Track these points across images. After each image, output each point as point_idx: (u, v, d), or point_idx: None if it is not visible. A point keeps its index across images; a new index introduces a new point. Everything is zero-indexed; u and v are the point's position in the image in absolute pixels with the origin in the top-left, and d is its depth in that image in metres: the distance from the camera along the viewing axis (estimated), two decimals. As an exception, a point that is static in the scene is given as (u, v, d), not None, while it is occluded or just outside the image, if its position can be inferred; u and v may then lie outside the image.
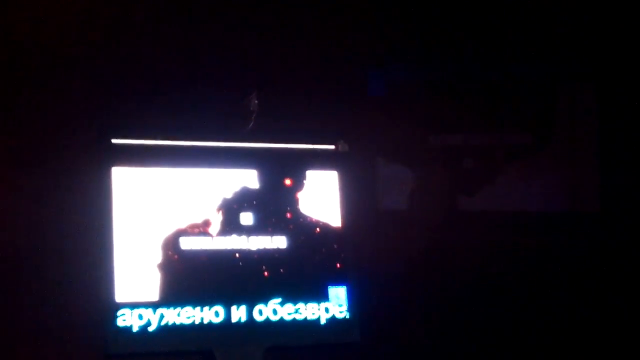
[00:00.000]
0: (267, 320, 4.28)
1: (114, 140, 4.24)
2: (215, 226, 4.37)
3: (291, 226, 4.50)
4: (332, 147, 4.74)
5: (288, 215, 4.52)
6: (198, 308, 4.15)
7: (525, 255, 4.84)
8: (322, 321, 4.39)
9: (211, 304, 4.19)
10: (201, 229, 4.31)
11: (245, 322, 4.23)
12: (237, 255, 4.35)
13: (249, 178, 4.49)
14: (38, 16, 4.07)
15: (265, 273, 4.39)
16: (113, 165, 4.20)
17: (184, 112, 4.44)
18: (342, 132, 4.78)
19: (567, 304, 4.70)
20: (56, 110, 4.14)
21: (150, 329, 4.01)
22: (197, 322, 4.12)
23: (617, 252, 4.63)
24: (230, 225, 4.38)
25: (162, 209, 4.23)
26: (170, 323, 4.07)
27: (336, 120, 4.82)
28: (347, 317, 4.44)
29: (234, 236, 4.37)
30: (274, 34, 4.57)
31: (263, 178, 4.54)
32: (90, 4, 4.13)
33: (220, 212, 4.39)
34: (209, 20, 4.39)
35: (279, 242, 4.44)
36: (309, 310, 4.38)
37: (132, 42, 4.31)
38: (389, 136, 4.92)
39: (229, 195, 4.44)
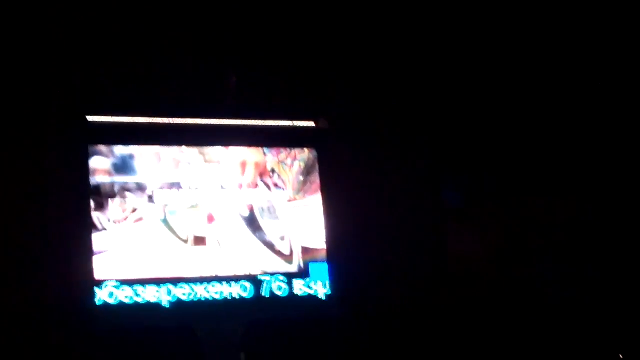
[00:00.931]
0: (248, 297, 4.29)
1: (89, 118, 4.24)
2: (193, 203, 4.37)
3: (271, 203, 4.56)
4: (312, 124, 4.77)
5: (269, 193, 4.54)
6: (179, 285, 4.16)
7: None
8: (303, 296, 4.44)
9: (191, 280, 4.20)
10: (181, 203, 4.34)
11: (225, 298, 4.24)
12: (218, 231, 4.37)
13: (229, 155, 4.51)
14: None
15: (245, 249, 4.41)
16: (89, 143, 4.19)
17: (161, 89, 4.40)
18: (323, 109, 4.79)
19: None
20: (30, 87, 4.08)
21: (130, 305, 4.00)
22: (177, 299, 4.14)
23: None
24: (210, 204, 4.41)
25: (141, 185, 4.23)
26: (149, 300, 4.07)
27: (317, 97, 4.79)
28: (328, 293, 4.47)
29: (215, 213, 4.40)
30: (253, 9, 4.52)
31: (243, 154, 4.54)
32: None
33: (199, 188, 4.40)
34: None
35: (260, 221, 4.49)
36: (291, 287, 4.40)
37: (108, 19, 4.26)
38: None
39: (208, 171, 4.45)
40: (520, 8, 4.95)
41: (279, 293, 4.36)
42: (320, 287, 4.46)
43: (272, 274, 4.38)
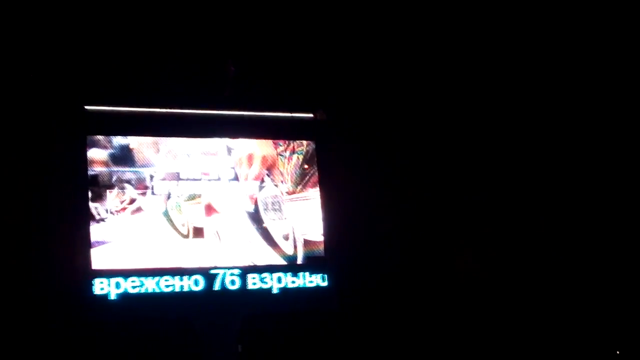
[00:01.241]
0: (245, 289, 4.28)
1: (87, 107, 4.22)
2: (192, 194, 4.36)
3: (268, 196, 4.55)
4: (311, 115, 4.76)
5: (265, 185, 4.54)
6: (177, 277, 4.15)
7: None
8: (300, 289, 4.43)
9: (190, 272, 4.19)
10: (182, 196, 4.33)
11: (223, 290, 4.23)
12: (216, 223, 4.36)
13: (226, 146, 4.49)
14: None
15: (243, 242, 4.40)
16: (87, 134, 4.18)
17: (160, 80, 4.37)
18: (321, 101, 4.78)
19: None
20: (29, 77, 4.04)
21: (127, 296, 4.00)
22: (175, 291, 4.13)
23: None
24: (209, 195, 4.39)
25: (139, 176, 4.22)
26: (147, 291, 4.06)
27: (315, 89, 4.77)
28: (327, 285, 4.47)
29: (214, 205, 4.40)
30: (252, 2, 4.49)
31: (240, 146, 4.53)
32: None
33: (197, 179, 4.39)
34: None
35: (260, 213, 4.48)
36: (289, 279, 4.39)
37: (106, 10, 4.21)
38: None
39: (208, 162, 4.44)
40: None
41: (278, 285, 4.36)
42: (318, 280, 4.45)
43: (270, 267, 4.37)
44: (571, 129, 5.07)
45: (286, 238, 4.47)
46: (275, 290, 4.33)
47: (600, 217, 4.99)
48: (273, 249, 4.44)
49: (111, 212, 4.12)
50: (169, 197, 4.27)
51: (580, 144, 5.08)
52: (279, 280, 4.35)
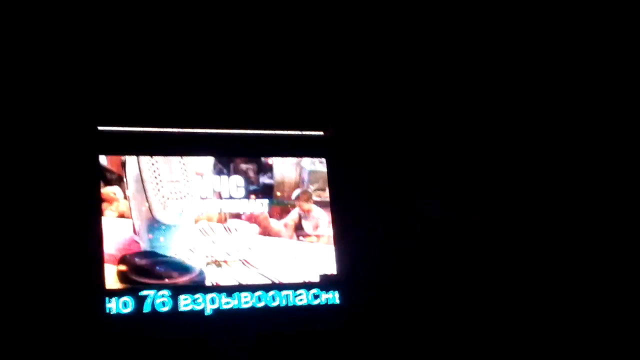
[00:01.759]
0: (258, 308, 4.28)
1: (100, 128, 4.26)
2: (204, 212, 4.38)
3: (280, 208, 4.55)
4: (321, 133, 4.77)
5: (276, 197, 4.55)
6: (189, 295, 4.15)
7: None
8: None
9: (203, 290, 4.18)
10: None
11: (237, 307, 4.22)
12: (226, 241, 4.37)
13: (239, 161, 4.50)
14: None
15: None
16: (100, 153, 4.22)
17: (171, 100, 4.42)
18: (332, 119, 4.80)
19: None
20: (42, 96, 4.11)
21: (141, 315, 4.00)
22: (188, 309, 4.13)
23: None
24: (221, 213, 4.39)
25: (151, 195, 4.24)
26: (160, 309, 4.06)
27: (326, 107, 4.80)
28: (339, 303, 4.45)
29: (225, 226, 4.40)
30: (262, 22, 4.55)
31: (252, 164, 4.55)
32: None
33: (210, 198, 4.40)
34: (193, 9, 4.37)
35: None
36: (302, 297, 4.39)
37: (118, 32, 4.29)
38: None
39: (220, 181, 4.45)
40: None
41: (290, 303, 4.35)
42: (331, 297, 4.44)
43: (283, 285, 4.37)
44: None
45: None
46: (286, 308, 4.33)
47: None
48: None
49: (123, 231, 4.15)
50: (181, 215, 4.29)
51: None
52: (291, 297, 4.36)
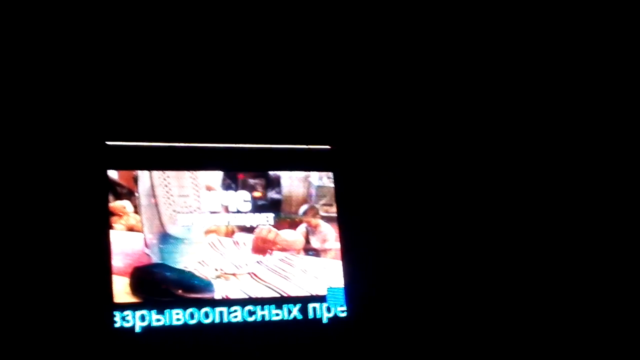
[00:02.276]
0: (267, 321, 4.29)
1: (108, 142, 4.29)
2: (213, 227, 4.40)
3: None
4: (328, 147, 4.79)
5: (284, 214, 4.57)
6: (198, 308, 4.16)
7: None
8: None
9: (211, 304, 4.20)
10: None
11: (250, 321, 4.24)
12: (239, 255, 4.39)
13: (248, 176, 4.53)
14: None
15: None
16: (108, 168, 4.25)
17: (179, 114, 4.45)
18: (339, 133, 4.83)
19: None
20: (50, 111, 4.14)
21: (148, 329, 4.02)
22: (195, 322, 4.13)
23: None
24: (229, 227, 4.42)
25: (162, 209, 4.27)
26: (167, 323, 4.08)
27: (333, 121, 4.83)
28: (345, 316, 4.46)
29: (233, 240, 4.41)
30: (269, 37, 4.59)
31: (261, 179, 4.58)
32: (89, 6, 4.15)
33: (219, 212, 4.42)
34: (203, 22, 4.41)
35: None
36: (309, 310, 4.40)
37: (127, 46, 4.33)
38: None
39: (229, 196, 4.48)
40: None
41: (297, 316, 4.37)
42: (337, 311, 4.45)
43: (290, 298, 4.39)
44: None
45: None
46: (294, 321, 4.34)
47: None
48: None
49: (131, 245, 4.17)
50: (191, 230, 4.32)
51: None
52: (299, 310, 4.37)
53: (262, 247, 4.44)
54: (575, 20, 4.85)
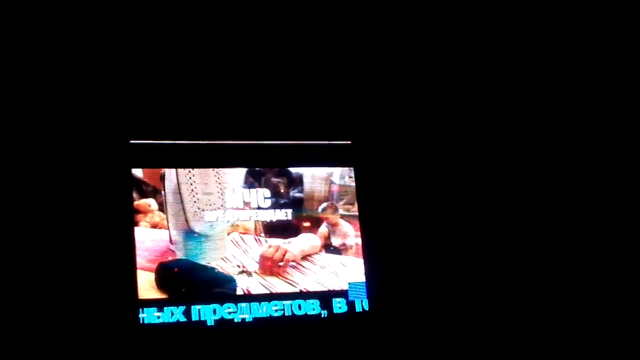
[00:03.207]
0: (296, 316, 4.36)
1: (132, 141, 4.35)
2: (237, 223, 4.45)
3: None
4: (349, 142, 4.82)
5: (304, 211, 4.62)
6: (222, 304, 4.22)
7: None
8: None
9: (234, 300, 4.26)
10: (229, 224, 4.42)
11: (269, 317, 4.30)
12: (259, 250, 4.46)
13: (270, 175, 4.58)
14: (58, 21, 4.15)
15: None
16: (132, 167, 4.32)
17: (201, 112, 4.50)
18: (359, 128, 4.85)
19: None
20: (75, 111, 4.20)
21: (173, 325, 4.09)
22: (219, 318, 4.19)
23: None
24: (253, 224, 4.47)
25: (187, 207, 4.33)
26: (192, 319, 4.14)
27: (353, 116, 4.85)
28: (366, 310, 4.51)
29: (256, 237, 4.47)
30: (289, 31, 4.61)
31: (283, 174, 4.63)
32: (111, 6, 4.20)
33: (242, 209, 4.48)
34: (223, 23, 4.44)
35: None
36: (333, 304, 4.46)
37: (150, 46, 4.37)
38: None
39: (250, 194, 4.53)
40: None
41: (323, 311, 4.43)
42: (358, 305, 4.50)
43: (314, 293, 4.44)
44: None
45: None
46: (320, 316, 4.41)
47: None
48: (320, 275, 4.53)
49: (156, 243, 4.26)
50: (216, 227, 4.38)
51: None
52: (324, 305, 4.43)
53: (270, 268, 4.46)
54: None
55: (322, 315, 4.40)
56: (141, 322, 4.08)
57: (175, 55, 4.50)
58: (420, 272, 4.73)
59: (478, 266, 4.81)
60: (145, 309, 4.10)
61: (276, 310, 4.32)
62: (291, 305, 4.35)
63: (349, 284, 4.53)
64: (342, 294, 4.49)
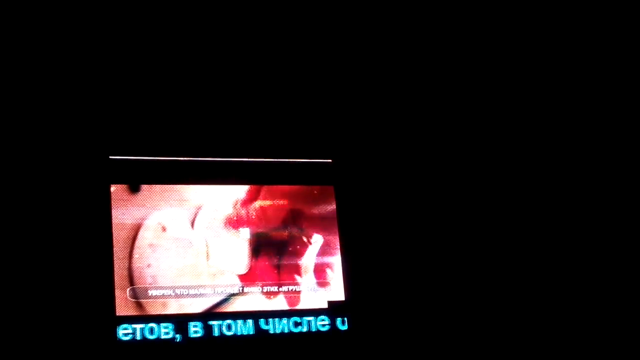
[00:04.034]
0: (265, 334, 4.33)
1: (111, 157, 4.33)
2: (214, 243, 4.44)
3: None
4: (329, 160, 4.84)
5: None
6: (200, 322, 4.20)
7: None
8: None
9: (216, 317, 4.24)
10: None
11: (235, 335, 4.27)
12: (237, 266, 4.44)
13: (247, 192, 4.58)
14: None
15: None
16: (111, 183, 4.29)
17: (181, 128, 4.50)
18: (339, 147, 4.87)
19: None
20: (54, 126, 4.19)
21: (151, 342, 4.05)
22: (200, 336, 4.17)
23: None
24: (230, 242, 4.47)
25: (163, 223, 4.32)
26: (172, 336, 4.11)
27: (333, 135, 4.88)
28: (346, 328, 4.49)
29: (235, 254, 4.46)
30: (269, 54, 4.64)
31: (261, 192, 4.62)
32: (93, 22, 4.21)
33: (222, 227, 4.47)
34: (205, 39, 4.46)
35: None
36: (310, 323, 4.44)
37: (129, 60, 4.38)
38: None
39: (230, 210, 4.53)
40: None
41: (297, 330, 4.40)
42: (339, 323, 4.48)
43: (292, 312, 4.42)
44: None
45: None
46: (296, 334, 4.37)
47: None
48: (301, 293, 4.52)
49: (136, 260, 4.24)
50: (192, 241, 4.37)
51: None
52: (299, 324, 4.41)
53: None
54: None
55: (303, 333, 4.38)
56: (119, 338, 4.05)
57: (156, 72, 4.53)
58: (402, 288, 4.72)
59: (460, 282, 4.81)
60: (123, 326, 4.07)
61: (254, 328, 4.29)
62: (269, 323, 4.33)
63: (329, 302, 4.51)
64: (323, 312, 4.47)
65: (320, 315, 4.46)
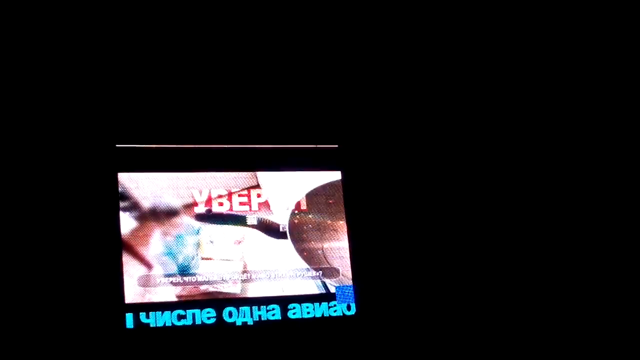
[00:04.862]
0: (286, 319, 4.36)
1: (118, 145, 4.34)
2: (221, 227, 4.47)
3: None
4: (336, 146, 4.83)
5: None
6: (210, 309, 4.23)
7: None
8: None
9: (220, 305, 4.26)
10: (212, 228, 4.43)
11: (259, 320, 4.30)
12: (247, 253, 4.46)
13: (255, 179, 4.57)
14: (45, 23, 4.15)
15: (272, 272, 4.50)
16: (118, 171, 4.31)
17: (187, 116, 4.50)
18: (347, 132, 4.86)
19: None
20: (61, 114, 4.20)
21: (161, 329, 4.08)
22: (209, 322, 4.19)
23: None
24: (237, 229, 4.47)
25: (170, 212, 4.34)
26: (180, 323, 4.14)
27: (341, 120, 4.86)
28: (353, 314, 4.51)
29: (241, 239, 4.47)
30: (275, 35, 4.62)
31: (268, 179, 4.63)
32: (98, 10, 4.20)
33: (227, 214, 4.48)
34: (211, 25, 4.44)
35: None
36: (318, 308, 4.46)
37: (136, 49, 4.37)
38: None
39: (237, 196, 4.52)
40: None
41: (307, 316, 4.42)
42: (345, 309, 4.50)
43: (301, 297, 4.43)
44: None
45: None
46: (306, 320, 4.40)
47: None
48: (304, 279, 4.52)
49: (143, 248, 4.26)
50: (199, 230, 4.38)
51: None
52: (308, 309, 4.43)
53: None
54: (575, 20, 4.86)
55: (310, 319, 4.40)
56: (127, 326, 4.08)
57: (162, 60, 4.51)
58: (409, 274, 4.73)
59: (465, 267, 4.81)
60: (131, 312, 4.09)
61: (262, 315, 4.32)
62: (276, 309, 4.36)
63: (337, 287, 4.52)
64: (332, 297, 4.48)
65: (331, 300, 4.47)
